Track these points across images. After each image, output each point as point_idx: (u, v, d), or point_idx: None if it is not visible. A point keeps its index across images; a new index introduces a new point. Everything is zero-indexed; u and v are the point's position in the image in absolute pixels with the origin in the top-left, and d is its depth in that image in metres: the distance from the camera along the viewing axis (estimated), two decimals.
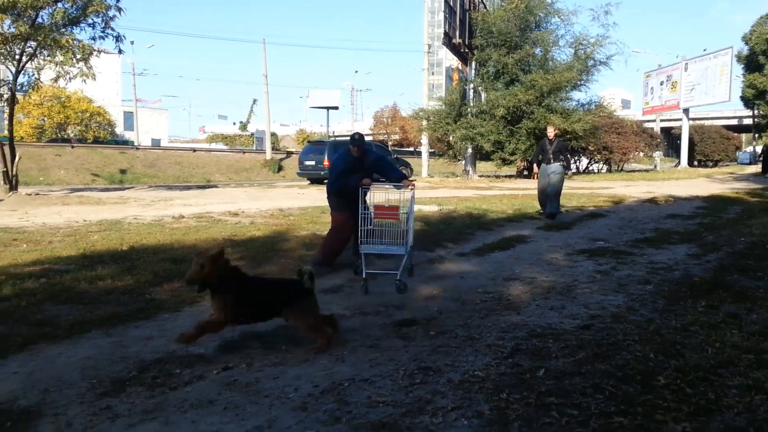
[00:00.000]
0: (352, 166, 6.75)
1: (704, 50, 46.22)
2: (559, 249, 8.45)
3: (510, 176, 32.83)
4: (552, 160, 11.90)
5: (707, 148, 52.98)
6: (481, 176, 32.53)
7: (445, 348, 4.14)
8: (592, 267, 7.12)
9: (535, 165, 12.73)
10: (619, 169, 40.83)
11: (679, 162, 48.31)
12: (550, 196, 11.74)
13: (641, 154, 44.58)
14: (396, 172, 6.82)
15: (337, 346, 4.17)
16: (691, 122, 49.35)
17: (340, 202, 6.91)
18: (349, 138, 6.98)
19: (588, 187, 22.45)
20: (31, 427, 3.02)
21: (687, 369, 3.58)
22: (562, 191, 12.28)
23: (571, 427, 2.92)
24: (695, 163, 51.90)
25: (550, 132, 12.39)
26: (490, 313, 5.07)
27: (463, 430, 2.92)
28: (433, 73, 37.40)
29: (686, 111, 46.94)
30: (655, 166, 46.43)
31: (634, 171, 40.66)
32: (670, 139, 59.37)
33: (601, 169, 40.73)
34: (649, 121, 52.14)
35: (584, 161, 39.20)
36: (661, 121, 54.39)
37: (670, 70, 48.80)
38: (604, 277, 6.53)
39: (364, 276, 5.90)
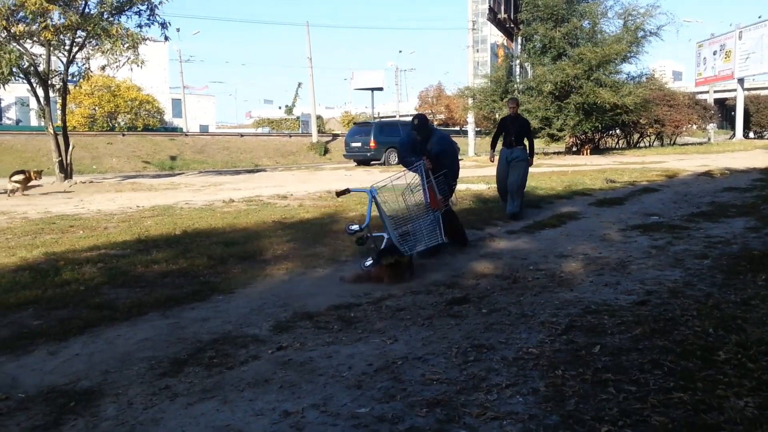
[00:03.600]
0: (414, 145, 6.72)
1: (759, 17, 44.51)
2: (611, 225, 8.30)
3: (558, 153, 32.30)
4: (515, 143, 9.52)
5: (764, 119, 51.07)
6: None
7: (498, 325, 4.11)
8: (647, 242, 6.97)
9: (491, 149, 10.33)
10: (672, 142, 39.76)
11: (734, 134, 46.80)
12: (512, 190, 9.27)
13: (694, 126, 43.28)
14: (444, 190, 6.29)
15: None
16: (746, 92, 47.66)
17: None
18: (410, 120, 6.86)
19: (640, 162, 21.97)
20: (94, 407, 3.10)
21: (748, 344, 3.49)
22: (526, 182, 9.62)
23: (629, 403, 2.87)
24: (751, 134, 50.16)
25: (512, 108, 9.76)
26: (542, 290, 5.02)
27: (518, 407, 2.90)
28: (477, 51, 36.79)
29: (741, 81, 45.37)
30: (709, 139, 45.08)
31: (687, 144, 39.58)
32: (724, 111, 57.53)
33: (653, 142, 39.71)
34: (702, 92, 50.62)
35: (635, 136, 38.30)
36: (715, 92, 52.77)
37: (723, 39, 47.17)
38: (659, 252, 6.39)
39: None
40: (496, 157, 9.97)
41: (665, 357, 3.38)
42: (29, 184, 15.20)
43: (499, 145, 9.68)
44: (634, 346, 3.57)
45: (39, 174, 15.77)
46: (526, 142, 9.54)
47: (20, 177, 14.88)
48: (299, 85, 68.94)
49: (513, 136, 9.43)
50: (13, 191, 14.73)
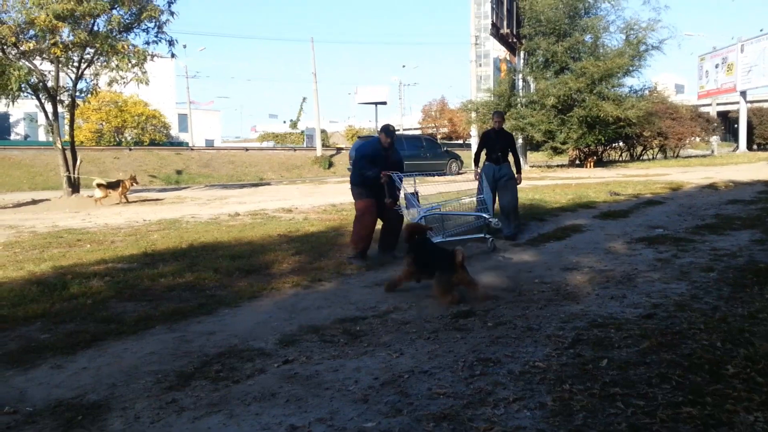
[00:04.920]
0: (377, 156, 7.14)
1: (761, 30, 44.59)
2: (616, 237, 8.29)
3: (561, 165, 32.36)
4: (501, 159, 8.85)
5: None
6: (532, 166, 32.14)
7: (504, 339, 4.10)
8: (652, 255, 6.96)
9: (474, 165, 9.39)
10: (675, 155, 39.76)
11: (737, 146, 46.79)
12: (506, 211, 8.67)
13: (697, 139, 43.30)
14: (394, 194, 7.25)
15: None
16: (749, 105, 47.67)
17: (361, 190, 7.21)
18: (384, 130, 7.28)
19: (643, 175, 21.97)
20: (101, 421, 3.10)
21: (757, 357, 3.46)
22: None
23: (638, 417, 2.85)
24: (754, 146, 50.10)
25: (497, 122, 9.04)
26: (548, 303, 5.01)
27: (525, 421, 2.89)
28: (480, 65, 37.03)
29: (743, 93, 45.42)
30: (713, 152, 45.05)
31: (690, 157, 39.57)
32: (727, 123, 57.51)
33: (656, 155, 39.70)
34: (704, 105, 50.61)
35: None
36: (718, 104, 52.76)
37: (725, 53, 47.28)
38: (665, 264, 6.38)
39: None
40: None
41: (673, 371, 3.36)
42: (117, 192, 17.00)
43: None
44: (642, 360, 3.56)
45: (134, 180, 18.04)
46: (511, 158, 9.08)
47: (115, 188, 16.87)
48: (304, 99, 69.09)
49: (499, 152, 8.84)
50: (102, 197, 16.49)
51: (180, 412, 3.17)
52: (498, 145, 8.85)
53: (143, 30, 17.39)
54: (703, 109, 46.76)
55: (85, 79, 18.08)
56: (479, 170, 8.95)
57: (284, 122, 77.04)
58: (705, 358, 3.52)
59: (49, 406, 3.29)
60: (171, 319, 4.82)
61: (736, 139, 48.21)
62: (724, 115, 55.68)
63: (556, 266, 6.53)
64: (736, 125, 48.68)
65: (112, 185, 17.01)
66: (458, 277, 5.20)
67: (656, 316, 4.48)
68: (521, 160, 9.35)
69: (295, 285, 5.93)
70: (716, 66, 47.99)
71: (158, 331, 4.56)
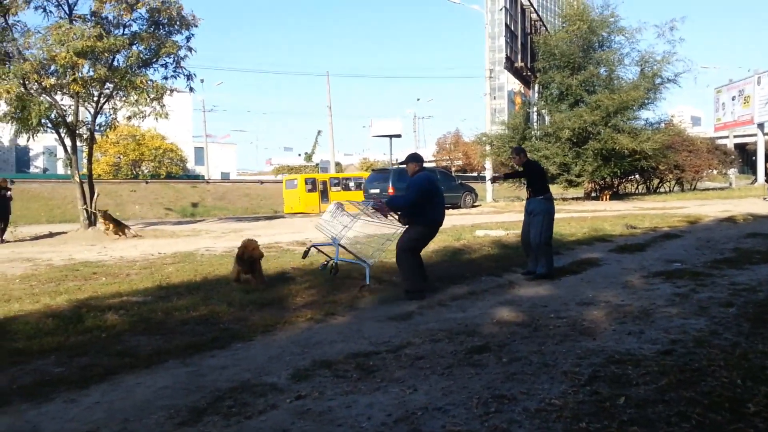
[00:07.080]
0: None
1: None
2: (633, 272, 8.21)
3: (577, 198, 32.24)
4: (532, 194, 8.31)
5: None
6: None
7: (520, 375, 4.05)
8: (670, 290, 6.87)
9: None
10: (692, 188, 39.51)
11: (755, 179, 46.46)
12: (534, 248, 8.05)
13: (715, 171, 43.09)
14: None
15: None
16: (766, 137, 47.47)
17: None
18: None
19: (660, 207, 21.83)
20: None
21: None
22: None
23: None
24: None
25: (513, 159, 8.77)
26: (564, 338, 4.95)
27: None
28: (495, 98, 37.23)
29: (761, 126, 45.20)
30: (730, 184, 44.74)
31: (707, 189, 39.30)
32: (745, 156, 57.27)
33: (673, 188, 39.46)
34: (721, 137, 50.51)
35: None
36: (735, 137, 52.62)
37: (742, 85, 47.24)
38: (683, 300, 6.29)
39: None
40: None
41: (693, 409, 3.30)
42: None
43: None
44: (660, 398, 3.50)
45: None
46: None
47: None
48: (319, 132, 69.95)
49: (528, 187, 8.45)
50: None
51: None
52: (525, 180, 8.57)
53: (162, 65, 17.65)
54: (720, 142, 46.62)
55: (104, 114, 18.36)
56: None
57: (299, 155, 77.76)
58: (725, 396, 3.45)
59: None
60: (184, 353, 4.81)
61: (754, 172, 47.87)
62: (741, 148, 55.52)
63: (572, 301, 6.47)
64: (754, 158, 48.42)
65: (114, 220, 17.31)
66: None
67: (675, 352, 4.41)
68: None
69: (309, 319, 5.91)
70: (733, 98, 47.92)
71: (171, 365, 4.55)
